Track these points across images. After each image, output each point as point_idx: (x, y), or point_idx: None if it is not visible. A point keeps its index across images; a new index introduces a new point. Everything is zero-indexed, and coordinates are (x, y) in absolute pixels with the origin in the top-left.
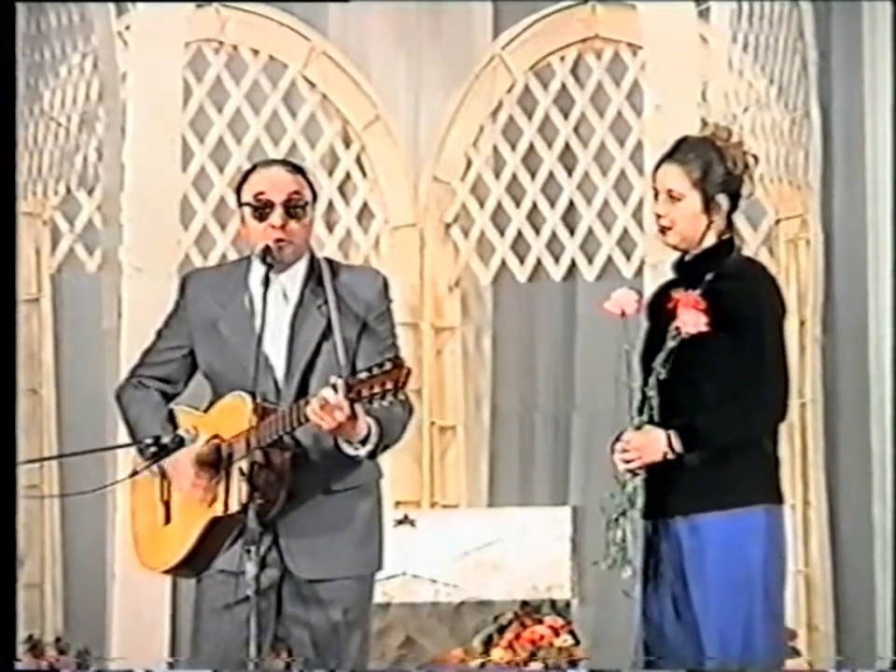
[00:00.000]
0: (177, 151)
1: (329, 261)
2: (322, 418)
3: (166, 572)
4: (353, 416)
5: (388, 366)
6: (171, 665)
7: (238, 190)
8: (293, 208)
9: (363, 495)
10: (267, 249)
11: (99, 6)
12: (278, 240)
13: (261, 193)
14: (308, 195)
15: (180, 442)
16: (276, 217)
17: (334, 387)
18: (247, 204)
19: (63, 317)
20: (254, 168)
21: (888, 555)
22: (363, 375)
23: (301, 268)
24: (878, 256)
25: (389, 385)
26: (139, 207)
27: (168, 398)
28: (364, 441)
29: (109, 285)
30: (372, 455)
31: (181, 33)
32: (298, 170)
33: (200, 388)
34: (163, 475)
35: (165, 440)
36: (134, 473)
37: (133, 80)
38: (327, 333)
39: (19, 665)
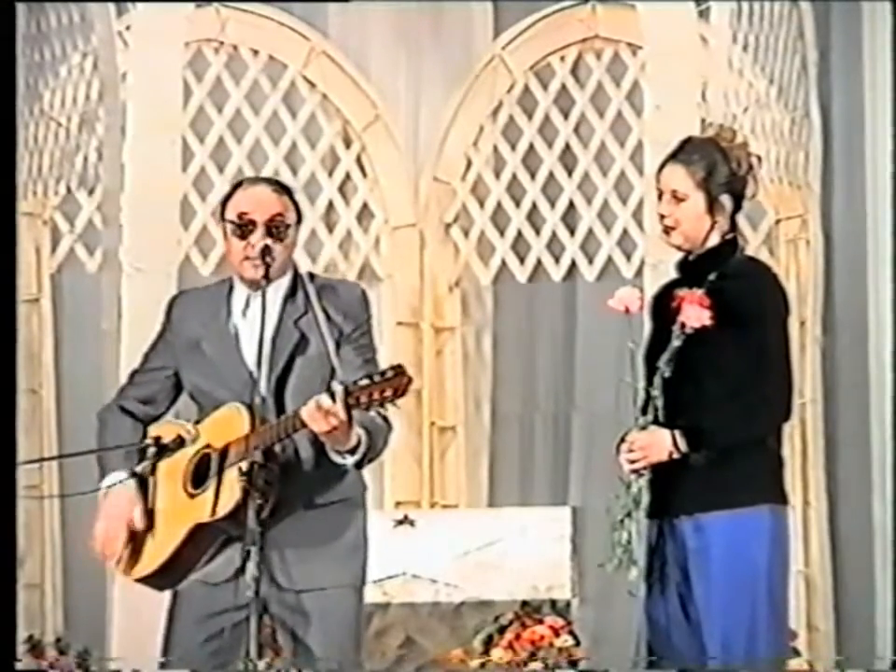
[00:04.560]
0: (177, 151)
1: (312, 276)
2: (315, 421)
3: (140, 580)
4: (348, 424)
5: (390, 374)
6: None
7: (223, 205)
8: (275, 229)
9: (348, 509)
10: (266, 248)
11: (99, 6)
12: (258, 261)
13: (244, 213)
14: (292, 217)
15: (180, 443)
16: (257, 237)
17: (332, 394)
18: (230, 222)
19: (63, 317)
20: (240, 184)
21: (888, 555)
22: (364, 382)
23: (282, 285)
24: (878, 256)
25: (389, 393)
26: (139, 207)
27: (147, 421)
28: (353, 451)
29: (109, 285)
30: (359, 466)
31: (181, 33)
32: (285, 190)
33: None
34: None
35: (166, 440)
36: (133, 474)
37: (132, 80)
38: (300, 347)
39: (19, 665)
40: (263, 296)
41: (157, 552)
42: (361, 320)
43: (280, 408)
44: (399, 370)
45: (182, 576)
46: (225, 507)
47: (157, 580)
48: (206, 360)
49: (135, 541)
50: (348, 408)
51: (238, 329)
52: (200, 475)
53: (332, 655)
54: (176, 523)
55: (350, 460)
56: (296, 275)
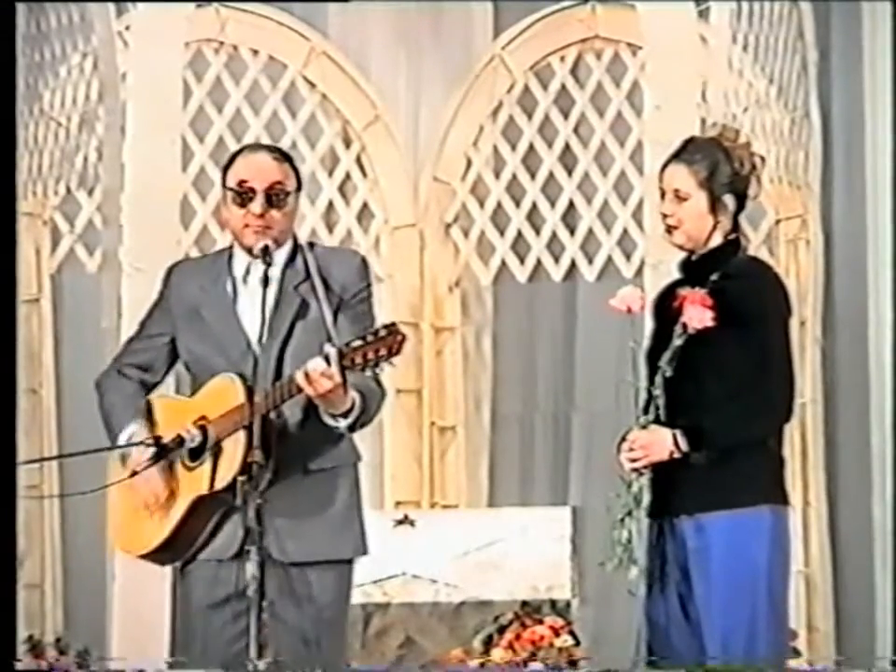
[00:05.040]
0: (177, 151)
1: (312, 245)
2: (311, 384)
3: (145, 556)
4: (343, 386)
5: (383, 332)
6: (171, 665)
7: (224, 172)
8: (275, 196)
9: (340, 476)
10: (266, 249)
11: (99, 6)
12: (258, 228)
13: (244, 180)
14: (292, 184)
15: (180, 443)
16: (257, 204)
17: (326, 357)
18: (230, 189)
19: (62, 317)
20: (241, 151)
21: (888, 555)
22: (357, 343)
23: (283, 254)
24: (878, 256)
25: (383, 352)
26: (139, 207)
27: (147, 386)
28: (346, 414)
29: (109, 285)
30: (352, 429)
31: (181, 33)
32: (285, 157)
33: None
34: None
35: (165, 439)
36: (134, 474)
37: (132, 80)
38: (301, 313)
39: (19, 665)
40: (264, 285)
41: (160, 526)
42: (360, 287)
43: (279, 374)
44: (391, 328)
45: (186, 549)
46: (223, 479)
47: (161, 555)
48: (205, 326)
49: (138, 518)
50: (343, 370)
51: (238, 295)
52: (197, 448)
53: (321, 629)
54: (177, 497)
55: (343, 423)
56: (295, 244)
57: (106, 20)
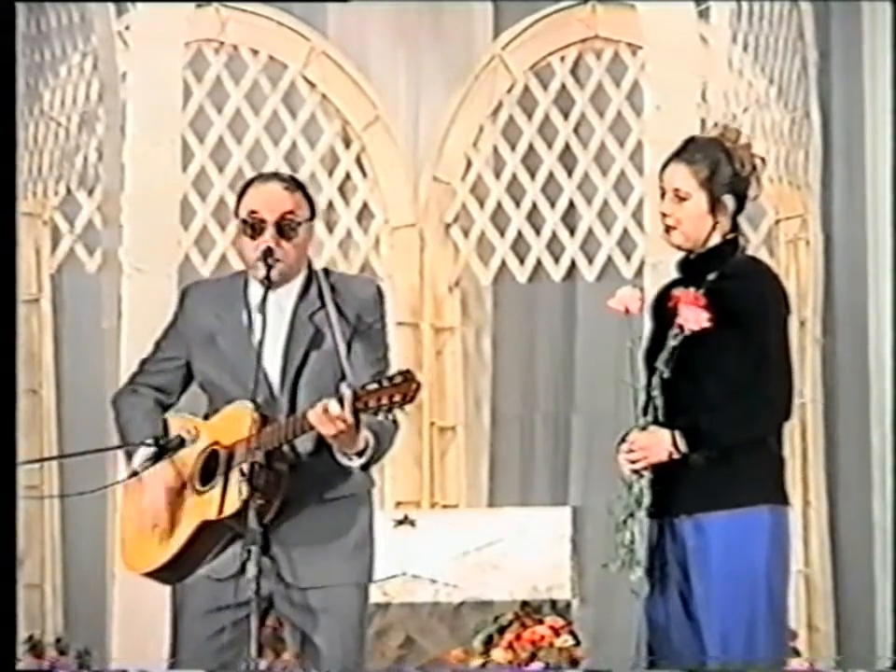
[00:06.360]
0: (177, 151)
1: (327, 271)
2: (323, 424)
3: (148, 574)
4: (355, 427)
5: (398, 379)
6: (171, 666)
7: (237, 203)
8: (286, 226)
9: (355, 504)
10: (268, 250)
11: (99, 6)
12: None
13: (255, 212)
14: (304, 213)
15: (180, 443)
16: (267, 236)
17: (340, 399)
18: (242, 221)
19: (63, 317)
20: (252, 181)
21: (888, 555)
22: (372, 386)
23: (297, 282)
24: (878, 256)
25: (397, 398)
26: (139, 207)
27: (163, 405)
28: (360, 454)
29: (109, 285)
30: (365, 468)
31: (181, 33)
32: (297, 186)
33: (196, 398)
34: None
35: (166, 440)
36: (134, 474)
37: (132, 80)
38: (315, 342)
39: (19, 665)
40: (264, 300)
41: (165, 546)
42: (375, 317)
43: (293, 401)
44: (408, 375)
45: (189, 570)
46: (232, 506)
47: (164, 574)
48: (220, 354)
49: (144, 536)
50: (356, 412)
51: (253, 324)
52: (208, 472)
53: (337, 653)
54: (184, 518)
55: (357, 462)
56: (310, 272)
57: (106, 20)
